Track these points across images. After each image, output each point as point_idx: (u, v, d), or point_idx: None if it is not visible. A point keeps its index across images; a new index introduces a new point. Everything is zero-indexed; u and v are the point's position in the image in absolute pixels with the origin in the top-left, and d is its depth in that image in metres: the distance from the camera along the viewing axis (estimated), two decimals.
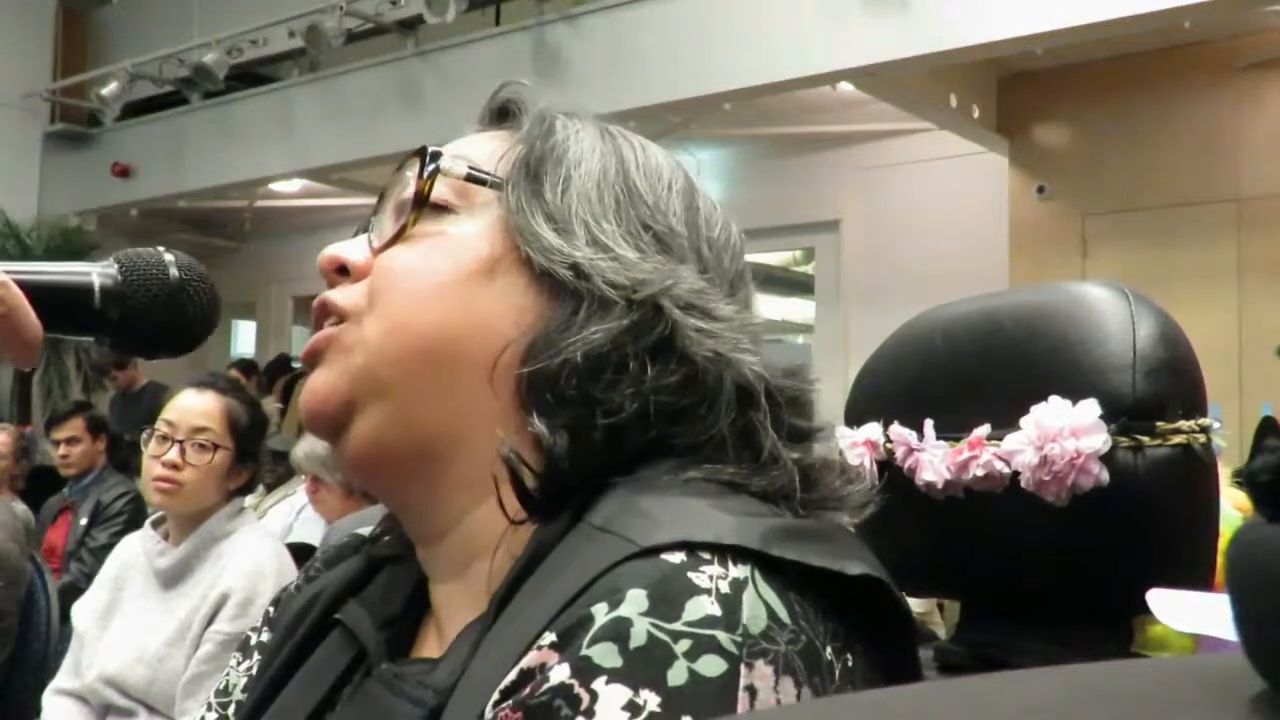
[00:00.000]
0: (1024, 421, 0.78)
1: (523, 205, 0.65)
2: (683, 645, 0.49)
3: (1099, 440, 0.75)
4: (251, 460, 2.26)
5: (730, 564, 0.52)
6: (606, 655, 0.49)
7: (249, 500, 2.32)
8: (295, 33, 6.67)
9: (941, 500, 0.82)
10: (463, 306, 0.64)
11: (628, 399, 0.60)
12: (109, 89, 7.55)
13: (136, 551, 2.28)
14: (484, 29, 6.47)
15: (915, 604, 4.73)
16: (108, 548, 3.45)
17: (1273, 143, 5.57)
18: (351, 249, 0.69)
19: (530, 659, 0.51)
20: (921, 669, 0.58)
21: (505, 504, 0.60)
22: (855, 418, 0.90)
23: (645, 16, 5.66)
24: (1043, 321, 0.80)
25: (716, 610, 0.50)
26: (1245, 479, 0.28)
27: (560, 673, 0.49)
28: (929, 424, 0.83)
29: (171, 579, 2.19)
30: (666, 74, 5.56)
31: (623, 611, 0.50)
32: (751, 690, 0.49)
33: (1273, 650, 0.26)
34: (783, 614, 0.51)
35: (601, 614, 0.50)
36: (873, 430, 0.87)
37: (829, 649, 0.52)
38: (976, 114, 6.03)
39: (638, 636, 0.49)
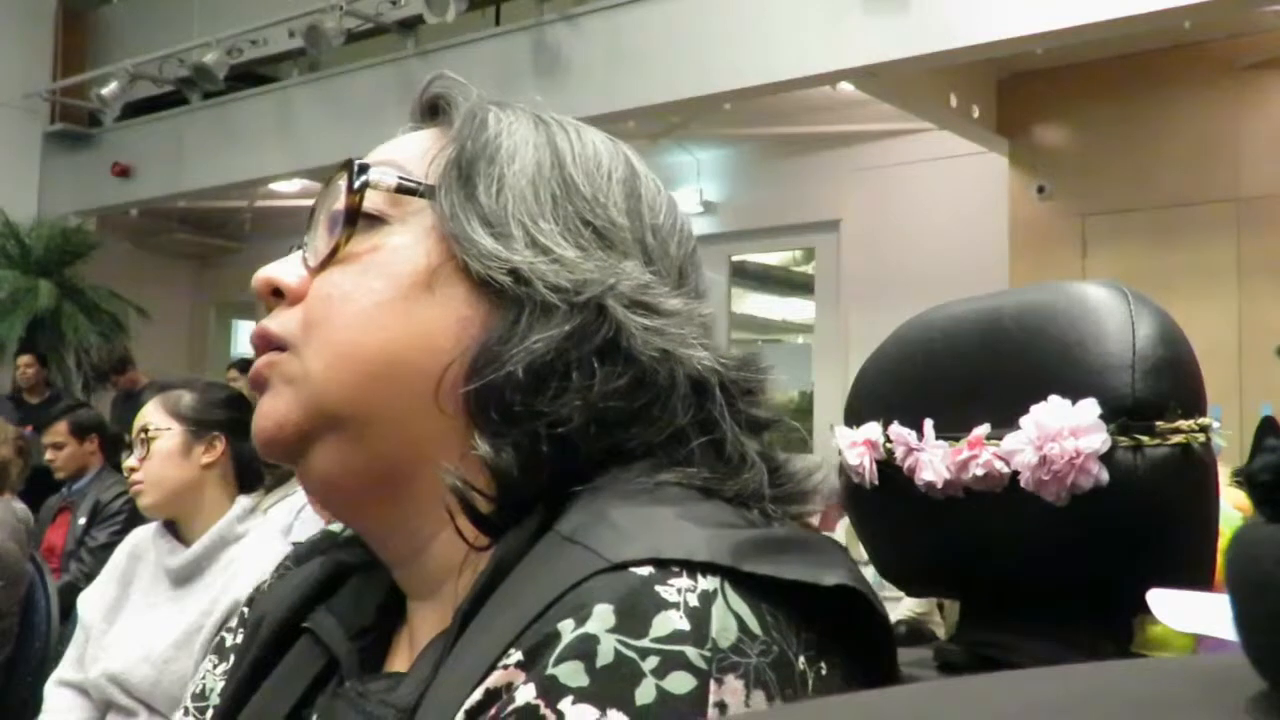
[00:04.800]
0: (1023, 421, 0.77)
1: (456, 211, 0.63)
2: (651, 662, 0.48)
3: (1098, 440, 0.75)
4: (219, 429, 2.26)
5: (700, 576, 0.50)
6: (573, 674, 0.48)
7: (249, 501, 2.31)
8: (295, 33, 6.67)
9: (941, 500, 0.82)
10: (404, 325, 0.62)
11: (576, 409, 0.58)
12: (109, 89, 7.55)
13: (146, 545, 2.28)
14: (484, 29, 6.47)
15: (915, 604, 4.73)
16: (107, 547, 3.45)
17: (1273, 143, 5.58)
18: (285, 270, 0.66)
19: (496, 678, 0.50)
20: (901, 675, 0.57)
21: (463, 532, 0.59)
22: (855, 417, 0.90)
23: (645, 16, 5.66)
24: (1042, 321, 0.80)
25: (685, 625, 0.49)
26: (1245, 479, 0.28)
27: (526, 693, 0.48)
28: (929, 423, 0.83)
29: (182, 578, 2.19)
30: (666, 74, 5.56)
31: (589, 628, 0.49)
32: (722, 706, 0.48)
33: (1272, 650, 0.26)
34: (754, 625, 0.50)
35: (568, 631, 0.49)
36: (872, 430, 0.87)
37: (802, 659, 0.51)
38: (976, 114, 6.04)
39: (605, 654, 0.48)
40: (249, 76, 7.60)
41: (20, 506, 3.68)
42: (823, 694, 0.51)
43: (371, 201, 0.64)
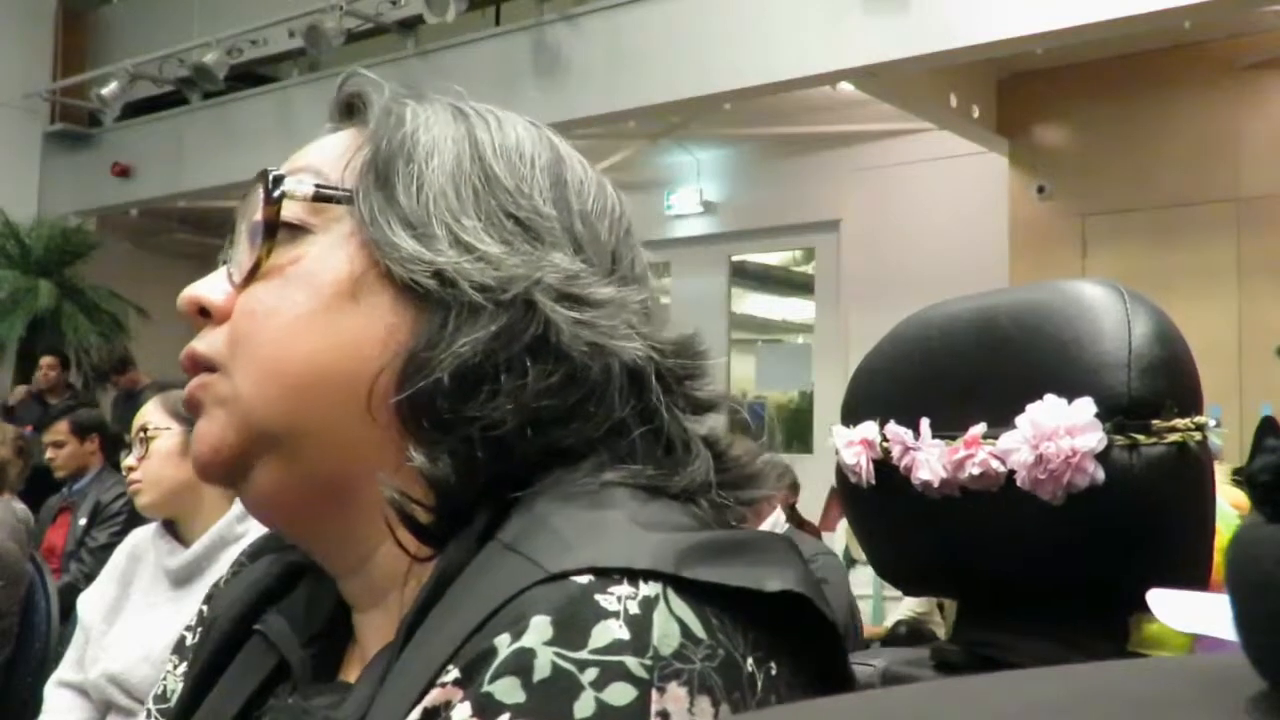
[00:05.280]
0: (1019, 420, 0.77)
1: (376, 215, 0.61)
2: (589, 674, 0.47)
3: (1094, 439, 0.75)
4: None
5: (641, 582, 0.49)
6: (509, 691, 0.47)
7: None
8: (295, 33, 6.68)
9: (937, 499, 0.82)
10: (330, 337, 0.60)
11: (508, 412, 0.57)
12: (109, 89, 7.56)
13: (146, 546, 2.28)
14: (484, 29, 6.48)
15: (915, 604, 4.74)
16: (107, 548, 3.45)
17: (1273, 143, 5.58)
18: (211, 288, 0.64)
19: (433, 697, 0.49)
20: (852, 674, 0.56)
21: (404, 543, 0.58)
22: (852, 416, 0.90)
23: (645, 16, 5.66)
24: (1038, 320, 0.80)
25: (625, 634, 0.48)
26: (1245, 479, 0.28)
27: (463, 712, 0.48)
28: (925, 423, 0.83)
29: (181, 579, 2.19)
30: (666, 74, 5.57)
31: (526, 642, 0.48)
32: (664, 715, 0.47)
33: (1273, 650, 0.26)
34: (698, 629, 0.49)
35: (504, 646, 0.48)
36: (869, 429, 0.87)
37: (750, 660, 0.50)
38: (976, 114, 6.05)
39: (541, 668, 0.47)
40: (249, 76, 7.60)
41: (20, 506, 3.69)
42: (772, 694, 0.51)
43: (290, 211, 0.63)
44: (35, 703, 2.30)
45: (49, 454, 4.74)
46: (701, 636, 0.49)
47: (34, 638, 2.87)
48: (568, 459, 0.58)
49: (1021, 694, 0.28)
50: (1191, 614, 0.61)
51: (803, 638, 0.53)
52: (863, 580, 4.65)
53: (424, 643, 0.53)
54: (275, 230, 0.63)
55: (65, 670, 2.26)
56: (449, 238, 0.60)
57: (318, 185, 0.63)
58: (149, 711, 0.76)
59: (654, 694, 0.47)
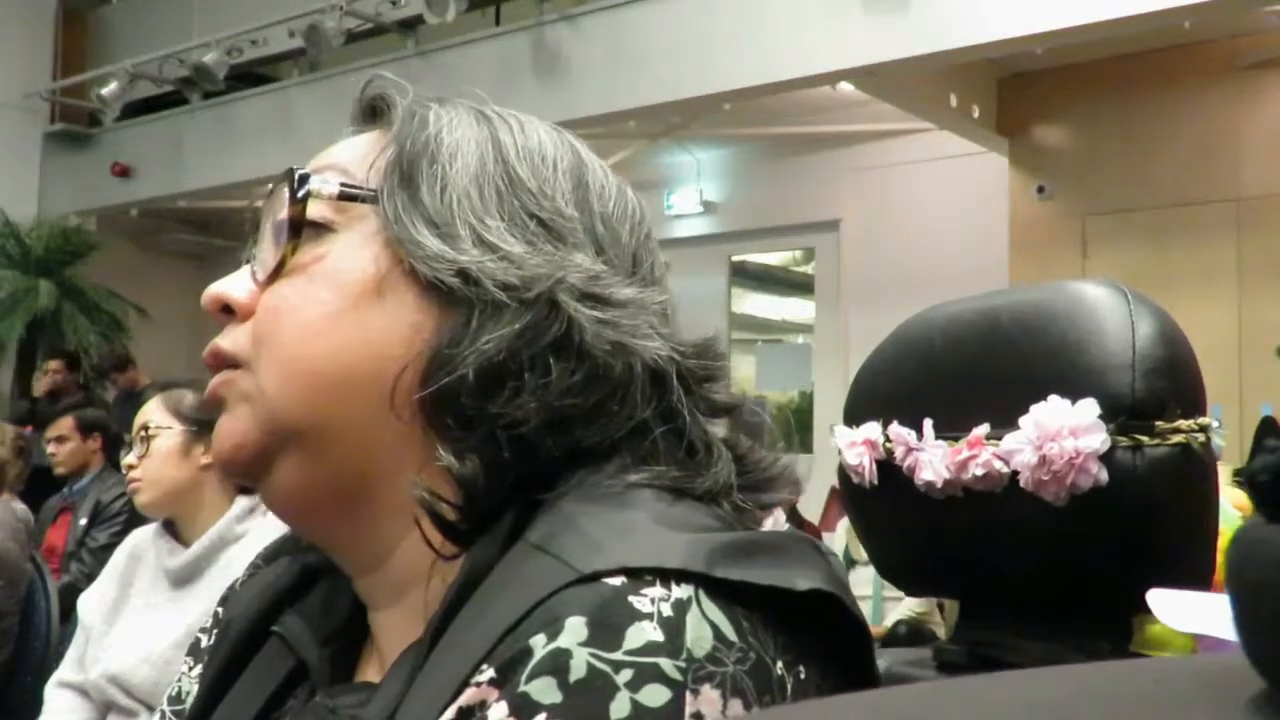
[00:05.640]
0: (1023, 421, 0.77)
1: (400, 214, 0.62)
2: (624, 675, 0.47)
3: (1098, 440, 0.75)
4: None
5: (673, 584, 0.50)
6: (545, 690, 0.47)
7: (249, 501, 2.31)
8: (295, 33, 6.67)
9: (940, 500, 0.82)
10: (355, 334, 0.61)
11: (532, 410, 0.57)
12: (109, 89, 7.55)
13: (146, 546, 2.28)
14: (484, 29, 6.47)
15: (915, 604, 4.73)
16: (108, 548, 3.45)
17: (1273, 143, 5.57)
18: (234, 285, 0.65)
19: (468, 696, 0.50)
20: (879, 677, 0.56)
21: (430, 540, 0.58)
22: (854, 417, 0.90)
23: (645, 16, 5.66)
24: (1041, 321, 0.80)
25: (659, 636, 0.48)
26: (1245, 479, 0.28)
27: (499, 711, 0.48)
28: (928, 423, 0.83)
29: (181, 579, 2.19)
30: (666, 74, 5.56)
31: (561, 642, 0.48)
32: (699, 717, 0.47)
33: (1273, 650, 0.26)
34: (729, 632, 0.50)
35: (540, 646, 0.48)
36: (872, 430, 0.87)
37: (780, 663, 0.51)
38: (976, 114, 6.04)
39: (577, 668, 0.48)
40: (249, 76, 7.59)
41: (20, 506, 3.68)
42: (802, 697, 0.51)
43: (315, 210, 0.63)
44: (36, 703, 2.30)
45: (50, 449, 4.73)
46: (733, 639, 0.50)
47: (34, 638, 2.87)
48: (591, 460, 0.59)
49: (1022, 694, 0.28)
50: (1192, 614, 0.61)
51: (829, 640, 0.53)
52: (863, 580, 4.65)
53: (455, 642, 0.54)
54: (300, 228, 0.63)
55: (65, 670, 2.25)
56: (472, 237, 0.61)
57: (343, 184, 0.64)
58: (163, 713, 0.77)
59: (688, 696, 0.48)
